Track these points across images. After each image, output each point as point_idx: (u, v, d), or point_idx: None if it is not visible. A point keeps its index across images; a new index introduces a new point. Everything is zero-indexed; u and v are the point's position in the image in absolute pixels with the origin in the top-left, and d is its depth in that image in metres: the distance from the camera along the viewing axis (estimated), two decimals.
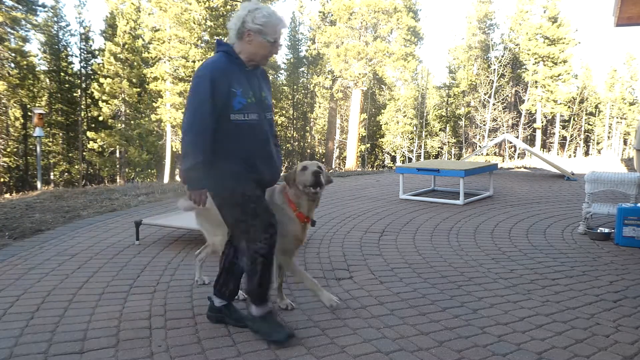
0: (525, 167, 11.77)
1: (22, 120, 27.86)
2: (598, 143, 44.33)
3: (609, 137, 43.45)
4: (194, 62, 24.76)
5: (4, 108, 25.14)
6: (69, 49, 29.97)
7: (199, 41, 25.49)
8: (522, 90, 34.62)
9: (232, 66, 2.53)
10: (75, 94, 29.71)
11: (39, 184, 12.43)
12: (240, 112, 2.50)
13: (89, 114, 28.87)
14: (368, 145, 35.61)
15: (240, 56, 2.55)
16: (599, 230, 4.82)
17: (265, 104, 2.64)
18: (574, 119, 40.89)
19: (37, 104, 26.44)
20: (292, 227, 2.79)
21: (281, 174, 2.82)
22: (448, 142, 36.85)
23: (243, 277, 2.73)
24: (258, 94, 2.60)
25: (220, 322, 2.75)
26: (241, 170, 2.55)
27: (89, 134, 25.62)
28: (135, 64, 25.83)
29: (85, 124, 29.34)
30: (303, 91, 36.08)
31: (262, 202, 2.60)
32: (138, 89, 26.25)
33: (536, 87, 33.82)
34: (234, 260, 2.73)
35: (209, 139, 2.46)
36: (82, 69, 29.97)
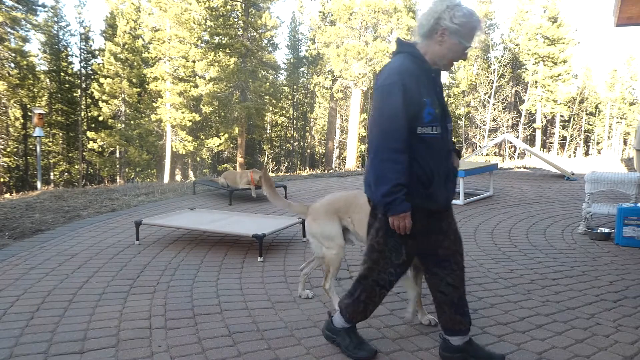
0: (525, 167, 11.77)
1: (22, 120, 27.86)
2: (598, 143, 44.34)
3: (609, 137, 43.45)
4: (193, 62, 24.77)
5: (4, 108, 25.12)
6: (69, 49, 29.97)
7: (199, 41, 25.49)
8: (522, 90, 34.62)
9: (420, 70, 2.18)
10: (75, 94, 29.70)
11: (39, 184, 12.43)
12: (429, 124, 2.15)
13: (89, 114, 28.88)
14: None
15: (425, 58, 2.21)
16: (599, 230, 4.82)
17: (447, 112, 2.29)
18: (574, 119, 40.90)
19: (37, 104, 26.44)
20: None
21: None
22: None
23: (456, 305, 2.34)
24: (442, 102, 2.26)
25: None
26: (416, 195, 2.18)
27: (89, 134, 25.62)
28: (135, 64, 25.83)
29: (85, 124, 29.34)
30: (303, 91, 36.09)
31: (420, 237, 2.26)
32: (138, 89, 26.25)
33: (536, 87, 33.82)
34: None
35: (406, 156, 2.11)
36: (82, 69, 29.97)
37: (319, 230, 2.91)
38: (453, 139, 2.50)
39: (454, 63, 2.27)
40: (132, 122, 25.60)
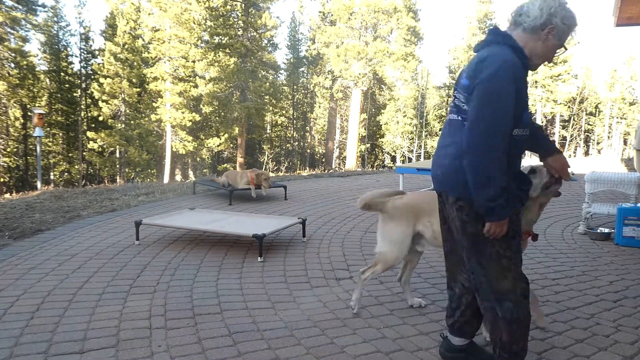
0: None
1: (22, 120, 27.86)
2: (598, 143, 44.34)
3: (609, 137, 43.46)
4: (193, 62, 24.77)
5: (4, 108, 25.12)
6: (69, 49, 29.97)
7: (199, 41, 25.50)
8: None
9: (523, 67, 2.06)
10: (75, 94, 29.70)
11: (39, 184, 12.42)
12: (525, 126, 2.08)
13: (89, 114, 28.87)
14: (368, 145, 35.63)
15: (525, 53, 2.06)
16: (599, 230, 4.82)
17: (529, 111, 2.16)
18: (573, 119, 40.90)
19: (37, 104, 26.44)
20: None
21: None
22: None
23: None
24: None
25: None
26: (519, 194, 2.14)
27: (89, 134, 25.62)
28: (135, 64, 25.83)
29: (85, 124, 29.34)
30: (303, 91, 36.09)
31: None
32: (138, 89, 26.25)
33: (536, 87, 33.83)
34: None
35: (505, 158, 1.99)
36: (82, 69, 29.97)
37: (390, 231, 2.82)
38: None
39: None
40: (132, 122, 25.60)
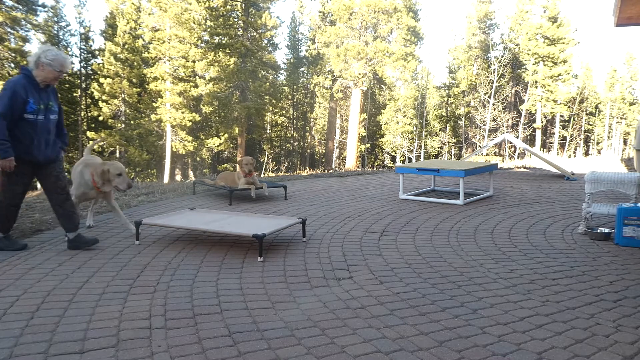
0: (525, 167, 11.77)
1: None
2: (598, 143, 44.35)
3: (609, 137, 43.46)
4: (193, 62, 24.78)
5: None
6: (69, 49, 29.96)
7: (199, 41, 25.49)
8: (522, 90, 34.63)
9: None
10: (75, 94, 29.71)
11: (39, 184, 12.42)
12: None
13: (89, 114, 28.88)
14: (368, 145, 35.63)
15: None
16: (599, 230, 4.82)
17: None
18: (573, 119, 40.90)
19: None
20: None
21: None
22: (448, 142, 36.85)
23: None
24: None
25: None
26: None
27: (89, 134, 25.62)
28: (135, 64, 25.84)
29: (85, 124, 29.34)
30: (303, 91, 36.09)
31: None
32: (138, 89, 26.26)
33: (536, 87, 33.83)
34: None
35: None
36: (82, 69, 29.98)
37: None
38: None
39: None
40: (132, 122, 25.61)
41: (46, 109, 3.98)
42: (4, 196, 4.05)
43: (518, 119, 34.39)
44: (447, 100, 37.78)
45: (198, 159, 28.55)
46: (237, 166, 7.62)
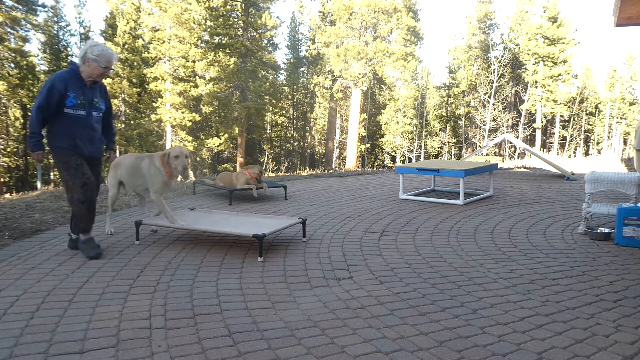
0: (525, 167, 11.77)
1: (22, 120, 27.83)
2: (598, 143, 44.35)
3: (609, 137, 43.46)
4: (193, 62, 24.77)
5: (4, 108, 25.12)
6: (69, 49, 29.96)
7: (199, 41, 25.49)
8: (522, 90, 34.63)
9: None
10: None
11: (39, 184, 12.44)
12: None
13: None
14: (368, 145, 35.63)
15: None
16: (599, 230, 4.82)
17: None
18: (573, 119, 40.91)
19: None
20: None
21: None
22: (448, 142, 36.86)
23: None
24: None
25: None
26: None
27: None
28: (135, 64, 25.83)
29: None
30: (303, 91, 36.08)
31: None
32: (138, 89, 26.26)
33: (536, 87, 33.83)
34: None
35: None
36: None
37: None
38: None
39: None
40: (132, 122, 25.60)
41: (90, 105, 3.94)
42: (71, 193, 3.94)
43: (518, 119, 34.40)
44: (447, 100, 37.78)
45: (198, 159, 28.54)
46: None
